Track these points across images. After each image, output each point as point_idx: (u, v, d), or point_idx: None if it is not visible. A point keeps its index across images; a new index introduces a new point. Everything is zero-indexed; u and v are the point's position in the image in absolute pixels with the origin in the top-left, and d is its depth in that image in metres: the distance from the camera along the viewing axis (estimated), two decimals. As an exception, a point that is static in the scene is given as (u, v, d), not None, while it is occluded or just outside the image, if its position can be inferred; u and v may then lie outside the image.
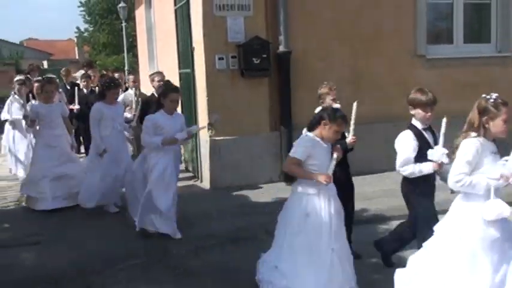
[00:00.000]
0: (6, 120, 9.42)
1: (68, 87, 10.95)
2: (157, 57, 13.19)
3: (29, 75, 10.15)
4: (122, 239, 5.86)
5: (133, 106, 8.30)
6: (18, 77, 9.50)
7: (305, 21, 8.13)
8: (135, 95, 8.58)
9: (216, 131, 7.23)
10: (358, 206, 5.44)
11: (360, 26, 8.41)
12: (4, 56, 36.98)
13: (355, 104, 4.64)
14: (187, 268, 5.08)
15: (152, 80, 8.33)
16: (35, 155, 7.41)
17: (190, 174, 8.81)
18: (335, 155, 4.12)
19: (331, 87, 5.06)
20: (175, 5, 8.95)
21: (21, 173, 8.98)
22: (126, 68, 26.40)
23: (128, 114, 7.90)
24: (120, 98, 8.15)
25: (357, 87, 8.19)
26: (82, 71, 10.62)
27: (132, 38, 28.02)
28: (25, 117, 7.49)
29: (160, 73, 8.63)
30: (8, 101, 9.32)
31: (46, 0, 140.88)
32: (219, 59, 7.75)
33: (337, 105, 4.39)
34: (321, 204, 4.09)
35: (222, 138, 7.75)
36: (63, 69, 12.23)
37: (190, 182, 8.40)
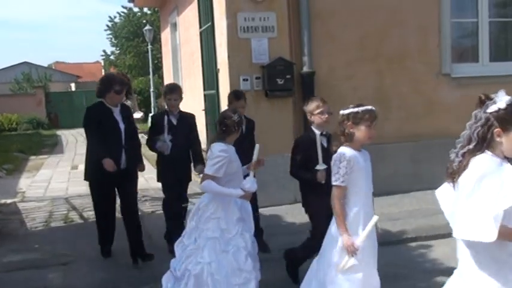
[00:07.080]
0: None
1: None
2: (182, 79, 13.35)
3: None
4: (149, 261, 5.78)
5: None
6: None
7: (329, 41, 8.17)
8: None
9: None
10: (384, 226, 5.38)
11: (384, 45, 8.42)
12: (33, 79, 37.74)
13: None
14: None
15: None
16: None
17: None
18: None
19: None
20: (200, 27, 9.09)
21: None
22: (151, 89, 26.76)
23: None
24: None
25: (382, 107, 8.12)
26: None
27: (158, 60, 28.44)
28: None
29: None
30: None
31: (73, 24, 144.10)
32: (244, 80, 7.81)
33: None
34: None
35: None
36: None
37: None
